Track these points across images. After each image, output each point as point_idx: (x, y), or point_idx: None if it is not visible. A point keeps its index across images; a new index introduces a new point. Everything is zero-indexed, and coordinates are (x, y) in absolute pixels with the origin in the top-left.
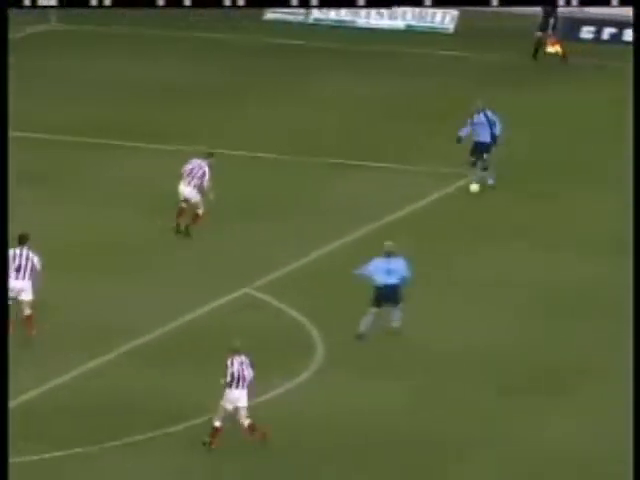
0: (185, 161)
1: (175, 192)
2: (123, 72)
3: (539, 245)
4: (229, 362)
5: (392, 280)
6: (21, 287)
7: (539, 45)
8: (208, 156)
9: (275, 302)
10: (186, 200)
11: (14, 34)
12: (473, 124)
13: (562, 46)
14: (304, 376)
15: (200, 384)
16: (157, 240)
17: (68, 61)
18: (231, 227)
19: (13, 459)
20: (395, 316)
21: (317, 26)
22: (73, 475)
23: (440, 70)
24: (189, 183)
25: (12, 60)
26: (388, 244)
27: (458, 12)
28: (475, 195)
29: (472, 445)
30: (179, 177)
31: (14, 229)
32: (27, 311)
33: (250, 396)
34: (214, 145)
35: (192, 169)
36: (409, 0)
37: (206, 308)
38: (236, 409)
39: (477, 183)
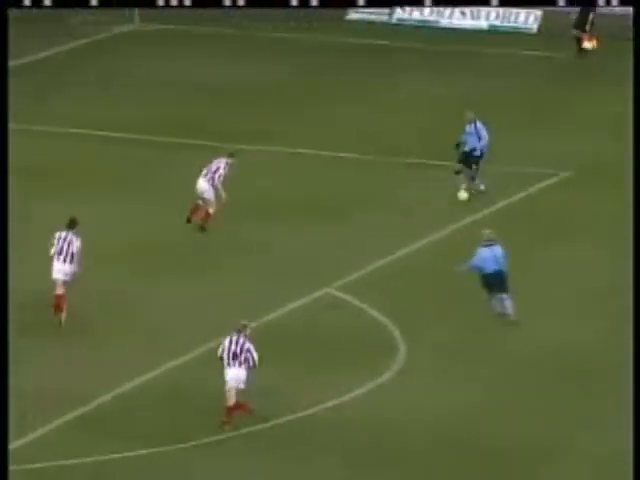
0: (266, 161)
1: (260, 192)
2: (204, 72)
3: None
4: (225, 340)
5: (498, 267)
6: (60, 269)
7: (579, 42)
8: (230, 155)
9: (356, 302)
10: (202, 196)
11: (100, 34)
12: (465, 134)
13: (598, 41)
14: (386, 376)
15: (281, 384)
16: (237, 239)
17: (151, 61)
18: (313, 226)
19: (102, 457)
20: (507, 306)
21: (400, 26)
22: (157, 473)
23: (523, 70)
24: (205, 179)
25: (97, 60)
26: (487, 232)
27: (542, 12)
28: (556, 195)
29: (558, 450)
30: (263, 177)
31: (94, 226)
32: (59, 290)
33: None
34: (295, 145)
35: (211, 166)
36: (409, 0)
37: (288, 308)
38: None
39: (466, 191)
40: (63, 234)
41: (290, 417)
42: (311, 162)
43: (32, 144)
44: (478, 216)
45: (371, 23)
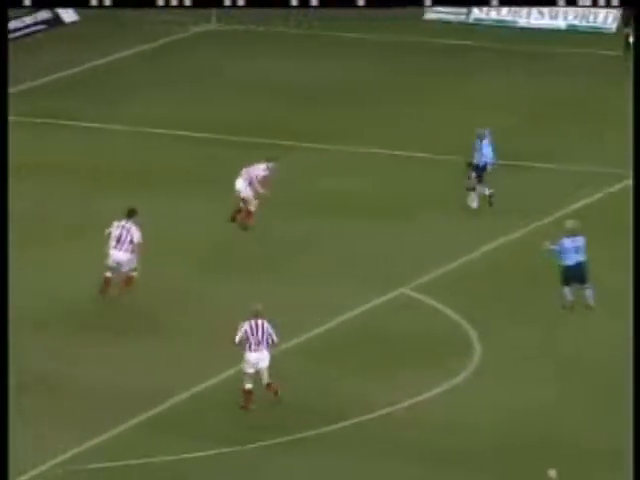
0: (343, 160)
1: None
2: (280, 72)
3: None
4: (243, 325)
5: (580, 258)
6: (117, 258)
7: (626, 39)
8: (269, 160)
9: (431, 302)
10: (241, 196)
11: (178, 34)
12: (474, 149)
13: None
14: (462, 376)
15: (357, 384)
16: (310, 238)
17: (227, 61)
18: (388, 226)
19: (175, 456)
20: (588, 296)
21: (477, 26)
22: (229, 473)
23: (602, 70)
24: (243, 180)
25: (173, 60)
26: (571, 222)
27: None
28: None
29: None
30: (338, 176)
31: (170, 224)
32: (108, 273)
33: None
34: (370, 144)
35: (249, 170)
36: (409, 0)
37: (363, 308)
38: (257, 371)
39: (475, 200)
40: (122, 222)
41: (366, 417)
42: (385, 162)
43: (108, 144)
44: (551, 218)
45: (448, 23)
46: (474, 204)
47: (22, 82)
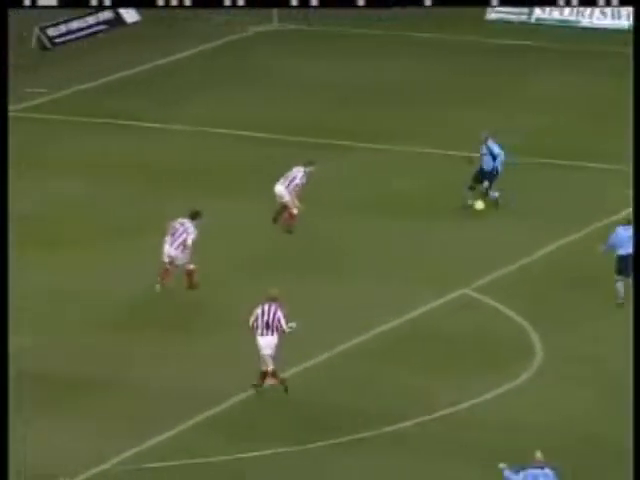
0: (399, 160)
1: (396, 190)
2: (340, 71)
3: None
4: (257, 309)
5: (630, 249)
6: (169, 252)
7: None
8: (308, 164)
9: (493, 303)
10: (282, 202)
11: (239, 34)
12: (481, 154)
13: None
14: (522, 378)
15: (418, 384)
16: (374, 239)
17: (289, 60)
18: (450, 225)
19: (234, 456)
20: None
21: (540, 26)
22: (290, 472)
23: None
24: (282, 185)
25: (236, 59)
26: (626, 212)
27: None
28: None
29: None
30: (395, 176)
31: (232, 224)
32: (189, 267)
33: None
34: (425, 144)
35: (288, 174)
36: (409, 0)
37: (425, 308)
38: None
39: (481, 200)
40: (184, 221)
41: (427, 417)
42: (439, 162)
43: (169, 144)
44: (609, 219)
45: (510, 23)
46: (478, 205)
47: (83, 82)
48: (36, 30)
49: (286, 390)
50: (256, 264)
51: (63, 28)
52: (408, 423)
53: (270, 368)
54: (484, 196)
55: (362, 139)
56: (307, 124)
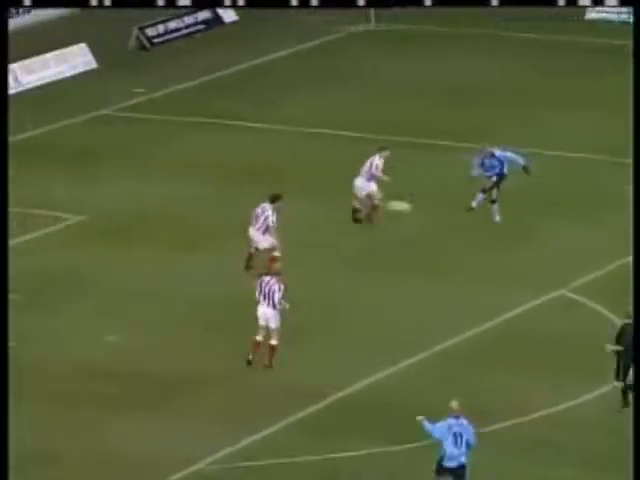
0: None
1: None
2: (436, 71)
3: None
4: (259, 280)
5: None
6: (252, 235)
7: None
8: (381, 149)
9: (592, 304)
10: (364, 194)
11: (336, 34)
12: (488, 168)
13: None
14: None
15: (514, 385)
16: (477, 239)
17: (382, 60)
18: (553, 224)
19: (327, 455)
20: None
21: None
22: (385, 473)
23: None
24: (363, 178)
25: (332, 59)
26: None
27: None
28: None
29: None
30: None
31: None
32: (274, 253)
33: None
34: (526, 144)
35: (365, 166)
36: (409, 0)
37: (523, 308)
38: (266, 328)
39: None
40: (265, 205)
41: (524, 418)
42: (540, 162)
43: (270, 143)
44: None
45: (610, 22)
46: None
47: (181, 82)
48: (135, 30)
49: (249, 363)
50: (351, 263)
51: (161, 28)
52: (504, 424)
53: (260, 338)
54: (493, 203)
55: (461, 139)
56: (403, 124)
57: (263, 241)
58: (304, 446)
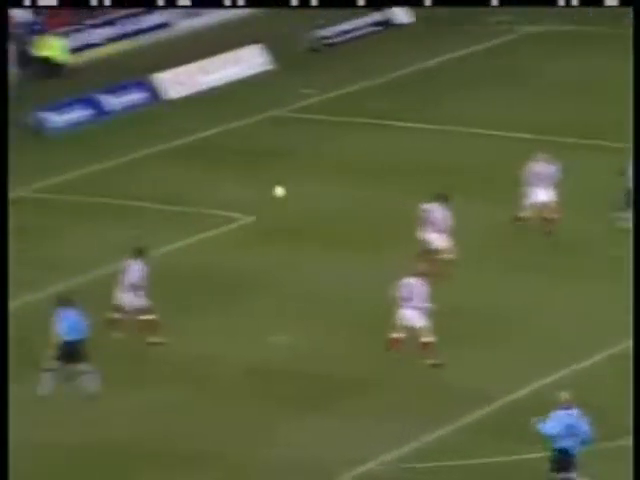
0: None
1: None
2: (607, 73)
3: None
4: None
5: None
6: (428, 238)
7: None
8: (548, 160)
9: None
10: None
11: (509, 35)
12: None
13: None
14: None
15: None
16: (596, 238)
17: (555, 62)
18: None
19: (503, 458)
20: None
21: None
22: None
23: None
24: (540, 188)
25: (503, 60)
26: None
27: None
28: None
29: None
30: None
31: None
32: (448, 255)
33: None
34: None
35: (534, 175)
36: (409, 0)
37: None
38: (412, 328)
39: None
40: (432, 205)
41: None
42: None
43: (429, 144)
44: None
45: None
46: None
47: (353, 83)
48: (308, 32)
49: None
50: (510, 263)
51: (335, 30)
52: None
53: (426, 340)
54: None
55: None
56: (568, 125)
57: (438, 239)
58: (476, 448)
